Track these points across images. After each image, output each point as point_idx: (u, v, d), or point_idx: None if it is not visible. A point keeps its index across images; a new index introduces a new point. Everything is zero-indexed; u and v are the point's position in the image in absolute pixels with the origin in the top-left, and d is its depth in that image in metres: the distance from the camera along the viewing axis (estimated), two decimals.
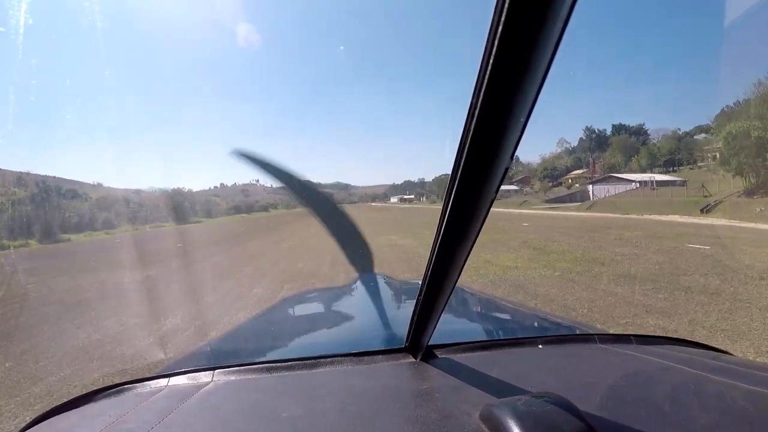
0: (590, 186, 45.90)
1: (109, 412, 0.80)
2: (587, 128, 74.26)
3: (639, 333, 1.14)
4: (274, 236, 19.83)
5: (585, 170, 70.02)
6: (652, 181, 38.53)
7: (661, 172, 48.98)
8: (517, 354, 1.02)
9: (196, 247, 17.74)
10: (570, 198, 44.66)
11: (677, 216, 22.34)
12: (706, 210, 23.60)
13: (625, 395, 0.76)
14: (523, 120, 0.48)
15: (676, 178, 40.61)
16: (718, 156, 32.26)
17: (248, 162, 1.85)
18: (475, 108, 0.47)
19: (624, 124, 72.61)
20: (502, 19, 0.40)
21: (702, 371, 0.85)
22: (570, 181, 63.44)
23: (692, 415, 0.67)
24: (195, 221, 51.62)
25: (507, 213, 32.69)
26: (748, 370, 0.85)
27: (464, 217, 0.59)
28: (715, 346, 1.12)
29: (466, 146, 0.50)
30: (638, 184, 38.55)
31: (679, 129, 64.36)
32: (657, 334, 1.26)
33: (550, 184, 64.50)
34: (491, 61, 0.43)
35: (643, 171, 49.55)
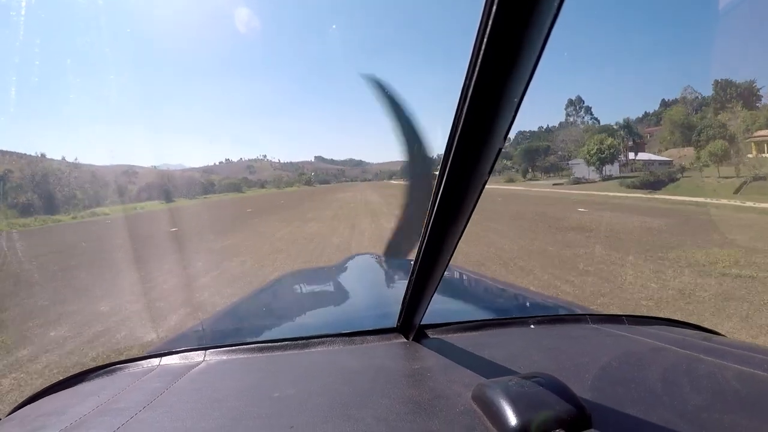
0: None
1: (101, 392, 0.81)
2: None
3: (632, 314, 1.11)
4: None
5: None
6: None
7: None
8: (509, 334, 1.01)
9: None
10: None
11: None
12: None
13: (617, 375, 0.76)
14: (516, 100, 0.47)
15: None
16: None
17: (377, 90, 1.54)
18: (468, 88, 0.46)
19: (731, 80, 45.57)
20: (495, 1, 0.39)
21: (694, 352, 0.85)
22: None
23: (684, 396, 0.67)
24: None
25: None
26: (740, 351, 0.85)
27: (457, 197, 0.59)
28: (708, 327, 1.10)
29: (459, 126, 0.50)
30: None
31: None
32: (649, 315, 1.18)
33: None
34: (484, 40, 0.42)
35: None
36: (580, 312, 1.20)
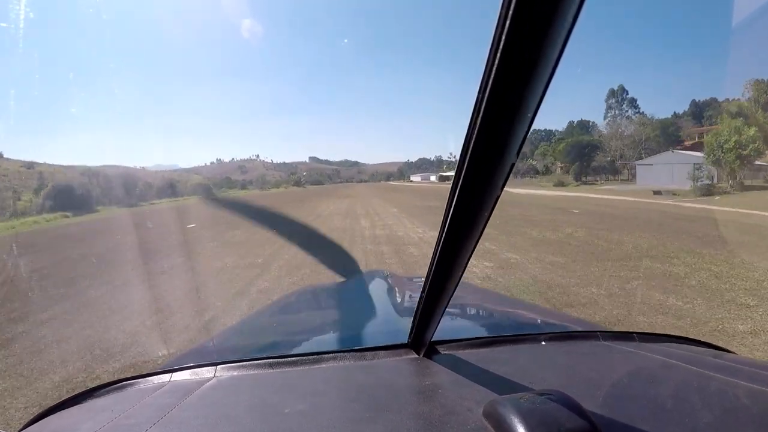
0: None
1: (112, 408, 0.81)
2: None
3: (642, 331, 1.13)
4: None
5: None
6: None
7: None
8: (520, 351, 1.01)
9: None
10: None
11: None
12: None
13: (628, 393, 0.76)
14: (530, 116, 0.46)
15: None
16: None
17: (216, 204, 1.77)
18: (480, 104, 0.46)
19: None
20: (510, 13, 0.39)
21: (705, 369, 0.84)
22: None
23: (695, 413, 0.66)
24: None
25: None
26: (751, 368, 0.83)
27: (469, 213, 0.59)
28: (718, 345, 1.09)
29: (471, 142, 0.49)
30: None
31: None
32: (661, 332, 1.16)
33: None
34: (497, 58, 0.42)
35: None
36: (590, 329, 1.20)
